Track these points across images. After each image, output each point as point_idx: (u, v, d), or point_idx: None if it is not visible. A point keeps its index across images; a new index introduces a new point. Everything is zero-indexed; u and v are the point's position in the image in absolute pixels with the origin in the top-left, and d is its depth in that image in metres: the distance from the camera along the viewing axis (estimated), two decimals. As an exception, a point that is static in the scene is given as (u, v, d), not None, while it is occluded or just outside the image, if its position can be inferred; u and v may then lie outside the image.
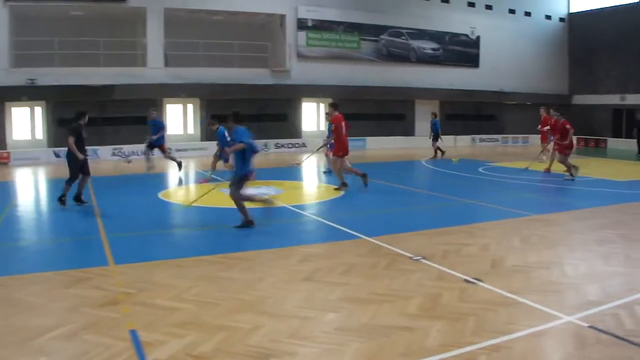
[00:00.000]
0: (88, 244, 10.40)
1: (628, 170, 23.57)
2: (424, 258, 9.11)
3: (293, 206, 14.08)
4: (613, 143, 35.25)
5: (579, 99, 39.75)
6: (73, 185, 13.81)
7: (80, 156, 13.48)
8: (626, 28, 36.12)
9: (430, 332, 6.10)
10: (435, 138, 26.54)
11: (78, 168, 13.67)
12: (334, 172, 17.20)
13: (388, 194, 16.75)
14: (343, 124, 16.42)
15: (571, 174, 18.89)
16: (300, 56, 30.05)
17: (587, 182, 19.34)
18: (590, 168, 23.49)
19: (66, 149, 13.72)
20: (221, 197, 14.81)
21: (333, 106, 16.87)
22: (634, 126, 33.72)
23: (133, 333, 5.94)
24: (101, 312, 6.59)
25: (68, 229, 11.95)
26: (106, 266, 8.60)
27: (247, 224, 11.27)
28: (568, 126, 19.33)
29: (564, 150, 19.36)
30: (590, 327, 6.27)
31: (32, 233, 11.93)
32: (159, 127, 20.03)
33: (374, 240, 10.28)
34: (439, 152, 26.61)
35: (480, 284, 7.84)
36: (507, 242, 10.41)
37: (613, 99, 37.24)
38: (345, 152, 16.50)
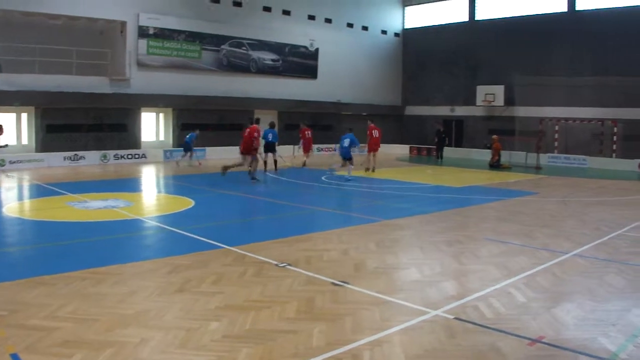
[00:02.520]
0: None
1: (462, 177, 25.28)
2: (289, 264, 9.48)
3: (147, 218, 13.98)
4: (444, 152, 37.13)
5: (412, 110, 42.03)
6: None
7: None
8: (455, 44, 38.75)
9: (313, 333, 6.47)
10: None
11: None
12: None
13: (238, 204, 17.09)
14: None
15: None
16: (141, 64, 29.41)
17: (427, 188, 20.71)
18: (427, 175, 25.09)
19: None
20: (69, 211, 14.45)
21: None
22: (435, 135, 35.99)
23: (15, 357, 5.72)
24: (-27, 339, 6.20)
25: None
26: (-40, 290, 8.01)
27: None
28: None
29: None
30: (456, 318, 7.00)
31: None
32: None
33: (236, 250, 10.50)
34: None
35: (348, 286, 8.33)
36: (364, 247, 11.03)
37: (443, 110, 39.74)
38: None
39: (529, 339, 6.43)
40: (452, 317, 7.06)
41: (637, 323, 7.00)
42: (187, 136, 27.61)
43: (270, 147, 24.92)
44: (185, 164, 27.51)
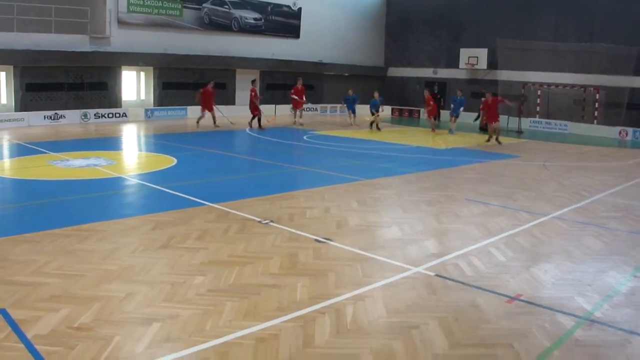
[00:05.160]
0: None
1: (443, 139, 25.35)
2: (272, 221, 9.58)
3: (129, 176, 13.96)
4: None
5: (394, 71, 41.76)
6: None
7: None
8: (439, 6, 38.38)
9: (296, 288, 6.61)
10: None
11: None
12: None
13: (220, 162, 17.08)
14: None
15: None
16: (121, 22, 28.86)
17: (408, 149, 20.81)
18: (408, 136, 25.20)
19: None
20: (50, 170, 14.38)
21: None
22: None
23: (3, 312, 5.73)
24: (-41, 295, 6.20)
25: None
26: (-56, 246, 7.96)
27: None
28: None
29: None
30: (437, 275, 7.17)
31: None
32: None
33: (219, 207, 10.58)
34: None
35: (331, 242, 8.46)
36: (346, 205, 11.15)
37: (426, 72, 39.54)
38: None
39: (507, 296, 6.60)
40: (433, 274, 7.22)
41: (613, 284, 7.19)
42: (372, 101, 27.86)
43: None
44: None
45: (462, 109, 27.77)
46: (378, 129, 27.03)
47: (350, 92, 29.85)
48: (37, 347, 5.04)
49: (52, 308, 5.85)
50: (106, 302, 6.03)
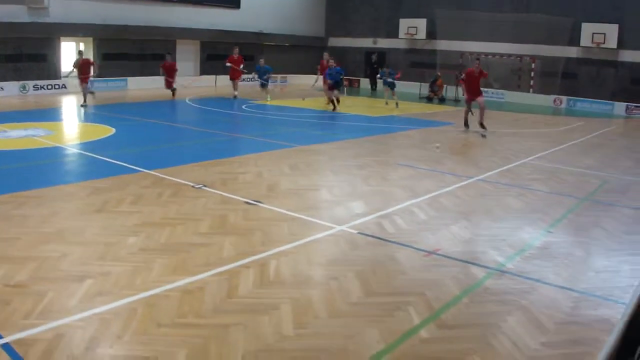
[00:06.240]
0: None
1: (380, 107, 25.77)
2: (205, 186, 9.89)
3: (67, 145, 14.02)
4: (365, 83, 38.35)
5: (335, 42, 41.92)
6: None
7: None
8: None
9: (224, 246, 6.98)
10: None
11: None
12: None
13: (159, 131, 17.15)
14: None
15: None
16: (59, -8, 28.55)
17: (345, 117, 21.23)
18: (347, 105, 25.51)
19: None
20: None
21: None
22: (368, 66, 36.66)
23: (-63, 277, 5.86)
24: None
25: None
26: None
27: None
28: None
29: None
30: (360, 233, 7.61)
31: None
32: None
33: (154, 173, 10.80)
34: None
35: (261, 205, 8.82)
36: (278, 170, 11.54)
37: (366, 43, 39.93)
38: None
39: (425, 251, 7.06)
40: (356, 232, 7.66)
41: (527, 239, 7.74)
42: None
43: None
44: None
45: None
46: (333, 103, 23.32)
47: (261, 62, 27.66)
48: (-29, 304, 5.23)
49: (-12, 270, 6.02)
50: (42, 262, 6.25)
